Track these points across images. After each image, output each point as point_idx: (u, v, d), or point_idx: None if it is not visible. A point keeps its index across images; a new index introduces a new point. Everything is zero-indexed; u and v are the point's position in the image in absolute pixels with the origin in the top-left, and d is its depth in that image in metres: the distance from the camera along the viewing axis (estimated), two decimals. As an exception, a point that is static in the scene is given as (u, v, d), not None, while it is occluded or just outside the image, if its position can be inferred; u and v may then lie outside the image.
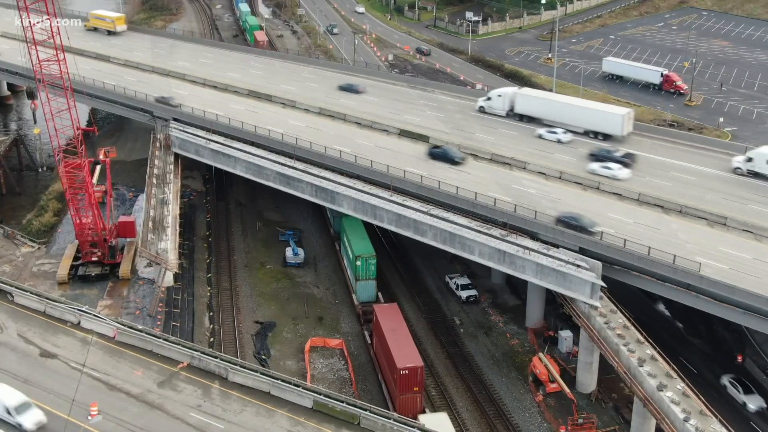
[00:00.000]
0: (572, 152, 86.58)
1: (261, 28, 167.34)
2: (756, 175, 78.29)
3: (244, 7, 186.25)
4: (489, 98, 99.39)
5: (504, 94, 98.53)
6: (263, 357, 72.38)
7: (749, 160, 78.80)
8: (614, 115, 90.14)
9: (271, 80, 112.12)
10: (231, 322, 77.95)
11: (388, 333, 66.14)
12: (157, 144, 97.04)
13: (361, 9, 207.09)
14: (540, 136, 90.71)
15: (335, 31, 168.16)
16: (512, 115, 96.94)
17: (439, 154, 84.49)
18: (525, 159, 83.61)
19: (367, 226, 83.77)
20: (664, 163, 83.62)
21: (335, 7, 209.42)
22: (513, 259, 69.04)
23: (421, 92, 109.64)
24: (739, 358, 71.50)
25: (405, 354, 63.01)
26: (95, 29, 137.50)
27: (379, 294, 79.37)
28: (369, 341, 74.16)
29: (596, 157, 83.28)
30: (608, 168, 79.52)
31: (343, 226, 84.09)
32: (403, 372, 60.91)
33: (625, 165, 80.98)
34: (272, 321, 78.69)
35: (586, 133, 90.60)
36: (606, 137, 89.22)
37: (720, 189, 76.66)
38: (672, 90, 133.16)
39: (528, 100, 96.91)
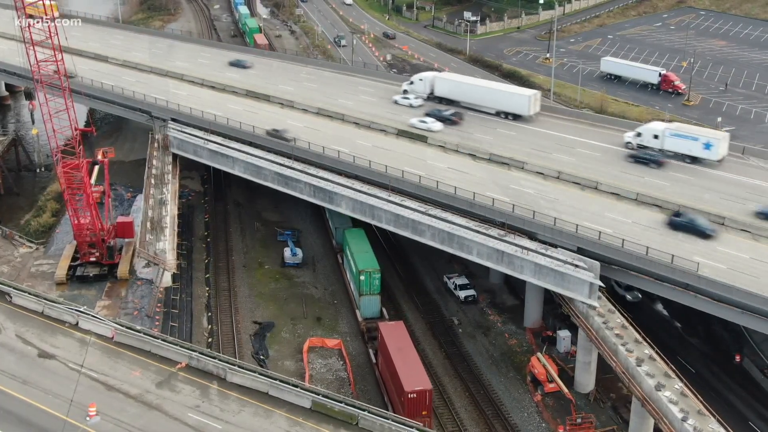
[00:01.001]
0: (415, 113, 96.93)
1: (260, 31, 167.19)
2: (644, 148, 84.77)
3: (244, 10, 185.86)
4: (412, 82, 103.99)
5: (425, 78, 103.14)
6: (261, 357, 72.38)
7: (638, 135, 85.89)
8: (521, 96, 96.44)
9: (269, 80, 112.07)
10: (229, 323, 77.93)
11: (395, 353, 62.99)
12: (156, 144, 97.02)
13: (349, 1, 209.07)
14: (395, 102, 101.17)
15: (343, 43, 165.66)
16: (433, 98, 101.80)
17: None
18: (376, 120, 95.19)
19: (369, 231, 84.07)
20: (565, 139, 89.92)
21: (333, 7, 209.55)
22: (511, 259, 69.08)
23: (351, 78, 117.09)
24: (737, 358, 71.58)
25: (413, 376, 59.92)
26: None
27: (384, 310, 77.16)
28: (374, 360, 71.12)
29: (430, 115, 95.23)
30: (424, 122, 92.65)
31: (346, 238, 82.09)
32: (411, 395, 57.93)
33: (453, 122, 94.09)
34: (270, 321, 78.68)
35: (498, 114, 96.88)
36: (516, 117, 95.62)
37: (607, 161, 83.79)
38: (670, 90, 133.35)
39: (446, 83, 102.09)
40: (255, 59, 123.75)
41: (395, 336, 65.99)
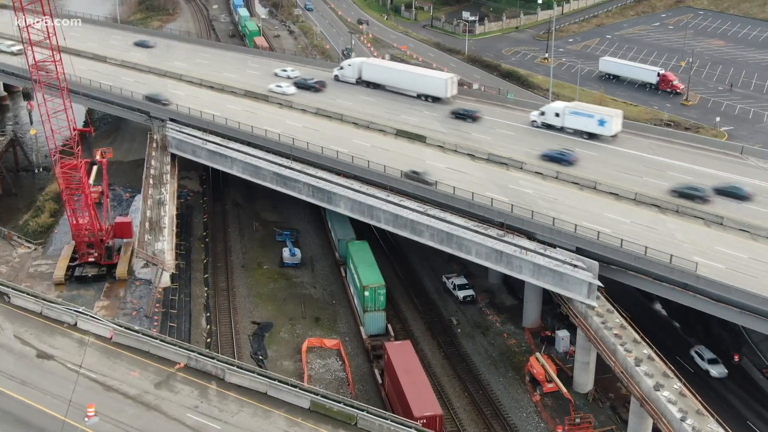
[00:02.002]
0: (288, 83, 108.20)
1: (260, 34, 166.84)
2: (547, 126, 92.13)
3: (243, 12, 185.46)
4: (342, 68, 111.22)
5: (353, 64, 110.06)
6: (260, 357, 72.38)
7: (542, 114, 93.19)
8: (439, 80, 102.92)
9: (268, 81, 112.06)
10: (228, 323, 77.93)
11: (402, 375, 60.05)
12: (154, 144, 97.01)
13: None
14: (270, 90, 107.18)
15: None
16: (361, 82, 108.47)
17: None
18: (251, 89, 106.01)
19: (371, 239, 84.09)
20: (484, 120, 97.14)
21: (332, 7, 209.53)
22: (510, 259, 69.12)
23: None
24: (736, 358, 71.64)
25: (422, 400, 57.03)
26: None
27: (389, 326, 74.98)
28: (380, 381, 68.07)
29: (298, 85, 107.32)
30: (279, 87, 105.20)
31: (350, 251, 79.94)
32: (421, 421, 54.72)
33: (316, 90, 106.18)
34: (269, 321, 78.68)
35: (419, 96, 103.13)
36: (435, 99, 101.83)
37: (518, 137, 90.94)
38: (669, 89, 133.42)
39: (372, 68, 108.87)
40: (252, 59, 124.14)
41: (403, 357, 62.90)
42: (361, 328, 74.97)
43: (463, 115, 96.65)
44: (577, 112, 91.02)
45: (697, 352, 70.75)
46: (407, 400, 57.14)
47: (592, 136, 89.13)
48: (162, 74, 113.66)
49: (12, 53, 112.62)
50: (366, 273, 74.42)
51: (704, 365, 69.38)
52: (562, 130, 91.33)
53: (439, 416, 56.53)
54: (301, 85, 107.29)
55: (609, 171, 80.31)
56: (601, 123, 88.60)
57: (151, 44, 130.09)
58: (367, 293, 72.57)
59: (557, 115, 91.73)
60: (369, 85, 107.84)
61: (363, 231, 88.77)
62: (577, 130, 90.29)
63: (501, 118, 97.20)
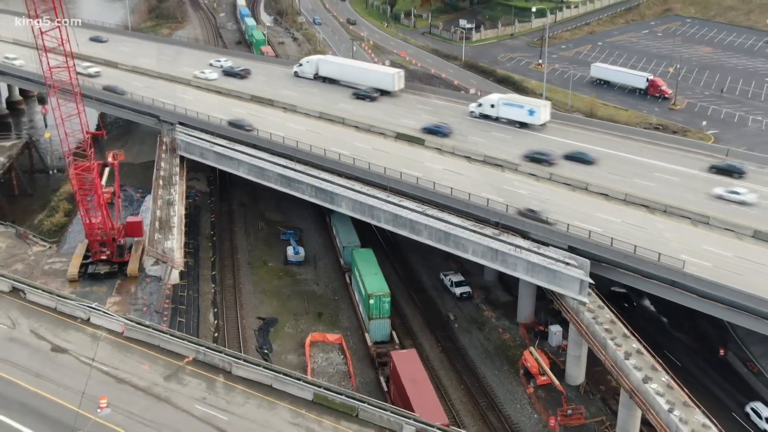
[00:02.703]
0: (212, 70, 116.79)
1: (267, 43, 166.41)
2: (485, 116, 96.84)
3: (250, 21, 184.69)
4: (301, 65, 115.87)
5: (311, 61, 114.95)
6: (265, 351, 72.42)
7: (480, 105, 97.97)
8: (386, 75, 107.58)
9: (272, 85, 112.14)
10: (234, 318, 78.00)
11: (408, 384, 58.51)
12: (164, 147, 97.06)
13: None
14: (195, 76, 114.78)
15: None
16: (318, 78, 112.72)
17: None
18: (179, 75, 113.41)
19: (368, 229, 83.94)
20: (429, 102, 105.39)
21: (334, 15, 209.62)
22: (505, 257, 69.17)
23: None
24: (722, 352, 71.67)
25: (428, 409, 55.41)
26: None
27: (394, 333, 73.80)
28: (385, 389, 66.70)
29: (226, 73, 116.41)
30: (203, 73, 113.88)
31: (355, 259, 78.73)
32: None
33: (242, 77, 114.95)
34: (274, 317, 78.74)
35: (367, 90, 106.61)
36: (384, 92, 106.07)
37: (457, 121, 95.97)
38: (657, 94, 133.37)
39: (328, 65, 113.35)
40: (255, 64, 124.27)
41: (408, 366, 61.36)
42: (367, 335, 73.52)
43: (363, 97, 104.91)
44: (510, 103, 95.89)
45: (753, 410, 63.06)
46: (413, 408, 55.57)
47: (523, 125, 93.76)
48: (170, 79, 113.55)
49: (89, 75, 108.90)
50: (371, 281, 73.10)
51: (763, 424, 61.93)
52: (497, 120, 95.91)
53: (444, 425, 54.70)
54: (229, 73, 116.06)
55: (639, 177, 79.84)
56: (531, 113, 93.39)
57: (104, 39, 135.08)
58: (372, 301, 71.18)
59: (492, 106, 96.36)
60: (325, 80, 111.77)
61: (366, 236, 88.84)
62: (510, 120, 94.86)
63: (446, 110, 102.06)
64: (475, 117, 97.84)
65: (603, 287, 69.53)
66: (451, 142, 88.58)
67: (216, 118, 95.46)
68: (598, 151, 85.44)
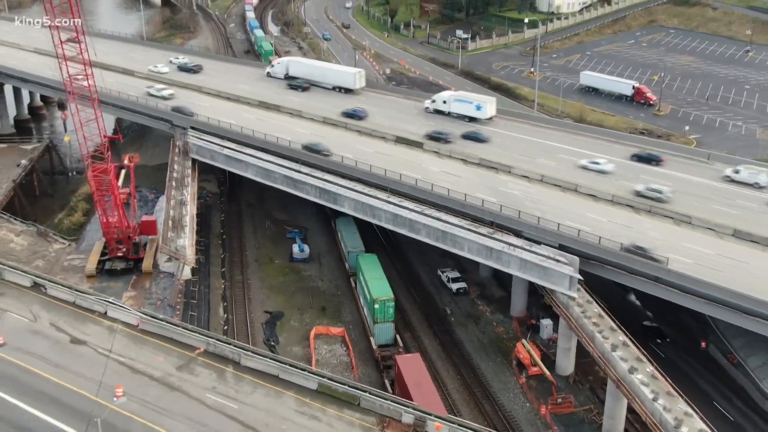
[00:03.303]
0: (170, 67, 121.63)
1: (275, 54, 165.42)
2: (438, 111, 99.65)
3: (259, 33, 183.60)
4: (273, 66, 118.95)
5: (281, 62, 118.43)
6: (272, 343, 72.45)
7: (433, 101, 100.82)
8: (348, 74, 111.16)
9: (278, 92, 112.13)
10: (243, 312, 78.03)
11: (413, 388, 57.36)
12: (176, 150, 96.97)
13: (349, 4, 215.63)
14: (149, 70, 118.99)
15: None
16: (288, 77, 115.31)
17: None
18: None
19: (369, 228, 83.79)
20: (388, 98, 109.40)
21: (337, 26, 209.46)
22: (499, 254, 69.16)
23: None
24: (703, 344, 71.65)
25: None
26: None
27: (398, 336, 72.12)
28: (390, 391, 63.10)
29: (180, 68, 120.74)
30: (156, 67, 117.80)
31: (359, 264, 77.13)
32: None
33: (195, 72, 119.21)
34: (280, 311, 78.75)
35: (334, 88, 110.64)
36: (347, 90, 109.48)
37: (410, 119, 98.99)
38: (642, 101, 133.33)
39: (296, 65, 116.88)
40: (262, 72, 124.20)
41: (413, 370, 60.25)
42: (372, 338, 71.80)
43: (295, 86, 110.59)
44: (460, 99, 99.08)
45: None
46: None
47: (472, 119, 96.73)
48: (183, 86, 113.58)
49: (164, 97, 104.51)
50: (376, 286, 71.67)
51: None
52: (449, 114, 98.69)
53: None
54: (183, 68, 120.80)
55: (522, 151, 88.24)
56: (479, 108, 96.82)
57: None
58: (377, 306, 69.77)
59: (444, 102, 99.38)
60: (295, 79, 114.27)
61: (368, 236, 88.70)
62: (460, 114, 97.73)
63: (404, 106, 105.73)
64: (430, 112, 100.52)
65: (636, 323, 68.72)
66: (370, 125, 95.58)
67: (225, 122, 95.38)
68: (499, 134, 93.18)
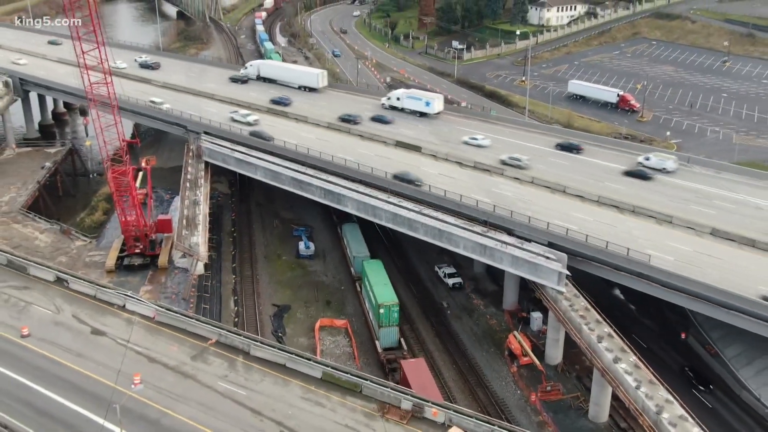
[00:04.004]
0: (129, 62, 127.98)
1: None
2: (393, 107, 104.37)
3: (269, 45, 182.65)
4: (246, 68, 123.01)
5: (254, 64, 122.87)
6: (280, 335, 72.43)
7: (389, 98, 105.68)
8: (311, 75, 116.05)
9: (221, 84, 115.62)
10: (252, 305, 78.01)
11: (418, 392, 53.97)
12: (190, 153, 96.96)
13: (356, 12, 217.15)
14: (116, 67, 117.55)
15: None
16: (260, 78, 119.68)
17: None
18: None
19: (370, 226, 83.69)
20: (348, 96, 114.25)
21: (341, 37, 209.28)
22: (492, 251, 69.10)
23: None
24: (683, 336, 71.60)
25: None
26: None
27: (402, 340, 70.20)
28: None
29: (141, 65, 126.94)
30: (115, 63, 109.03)
31: (365, 269, 75.26)
32: None
33: (153, 68, 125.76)
34: (287, 304, 78.71)
35: (300, 87, 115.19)
36: (311, 89, 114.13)
37: (408, 123, 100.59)
38: (626, 108, 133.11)
39: (267, 68, 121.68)
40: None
41: (417, 374, 58.79)
42: (377, 342, 70.11)
43: (144, 65, 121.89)
44: (412, 96, 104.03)
45: None
46: None
47: (422, 114, 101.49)
48: (196, 94, 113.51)
49: (248, 123, 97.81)
50: (381, 292, 69.88)
51: None
52: (402, 110, 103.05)
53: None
54: (143, 65, 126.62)
55: (423, 133, 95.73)
56: (427, 104, 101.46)
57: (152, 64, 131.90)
58: (382, 311, 68.14)
59: (398, 99, 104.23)
60: (265, 80, 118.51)
61: (370, 235, 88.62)
62: (412, 110, 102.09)
63: (363, 103, 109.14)
64: (386, 108, 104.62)
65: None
66: (295, 111, 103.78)
67: (236, 128, 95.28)
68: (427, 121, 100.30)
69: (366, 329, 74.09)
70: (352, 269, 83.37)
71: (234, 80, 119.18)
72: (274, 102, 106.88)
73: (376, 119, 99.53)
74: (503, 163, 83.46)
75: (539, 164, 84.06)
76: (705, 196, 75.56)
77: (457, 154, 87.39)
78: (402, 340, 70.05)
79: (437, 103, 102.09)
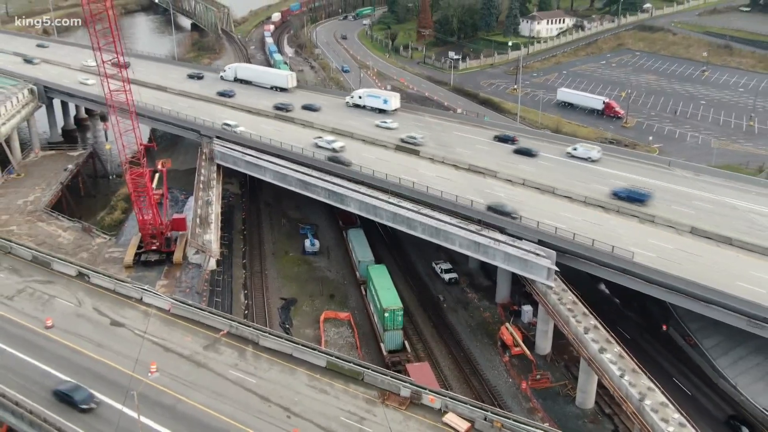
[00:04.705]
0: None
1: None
2: (356, 105, 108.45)
3: (278, 57, 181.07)
4: (225, 71, 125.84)
5: (231, 68, 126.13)
6: (287, 326, 72.40)
7: (352, 97, 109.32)
8: (281, 76, 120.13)
9: (180, 81, 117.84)
10: (261, 299, 78.00)
11: None
12: (203, 156, 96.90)
13: (366, 21, 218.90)
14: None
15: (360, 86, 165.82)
16: (237, 80, 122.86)
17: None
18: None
19: (372, 224, 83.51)
20: (313, 95, 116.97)
21: (345, 48, 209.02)
22: (486, 248, 69.07)
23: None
24: (664, 327, 71.57)
25: None
26: None
27: (406, 342, 68.11)
28: None
29: (114, 64, 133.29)
30: (86, 62, 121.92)
31: (370, 274, 73.38)
32: None
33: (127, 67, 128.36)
34: (294, 298, 78.70)
35: (272, 87, 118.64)
36: (282, 89, 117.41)
37: (335, 112, 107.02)
38: (612, 114, 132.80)
39: (243, 70, 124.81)
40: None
41: (422, 378, 56.25)
42: (382, 344, 67.68)
43: (193, 76, 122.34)
44: (372, 95, 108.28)
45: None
46: None
47: (381, 111, 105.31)
48: (208, 101, 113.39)
49: (334, 150, 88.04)
50: (386, 297, 67.95)
51: None
52: (364, 108, 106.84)
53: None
54: (114, 63, 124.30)
55: (345, 119, 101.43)
56: (385, 102, 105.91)
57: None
58: (387, 315, 66.11)
59: (360, 97, 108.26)
60: (242, 82, 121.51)
61: (372, 235, 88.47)
62: (372, 107, 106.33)
63: (329, 101, 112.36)
64: (350, 106, 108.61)
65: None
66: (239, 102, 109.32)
67: (246, 132, 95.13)
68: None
69: (367, 321, 74.06)
70: (357, 273, 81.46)
71: (191, 77, 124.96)
72: (221, 94, 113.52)
73: (306, 107, 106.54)
74: (402, 140, 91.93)
75: (472, 152, 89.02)
76: (685, 197, 75.42)
77: (369, 134, 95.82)
78: (406, 342, 68.15)
79: (394, 101, 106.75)
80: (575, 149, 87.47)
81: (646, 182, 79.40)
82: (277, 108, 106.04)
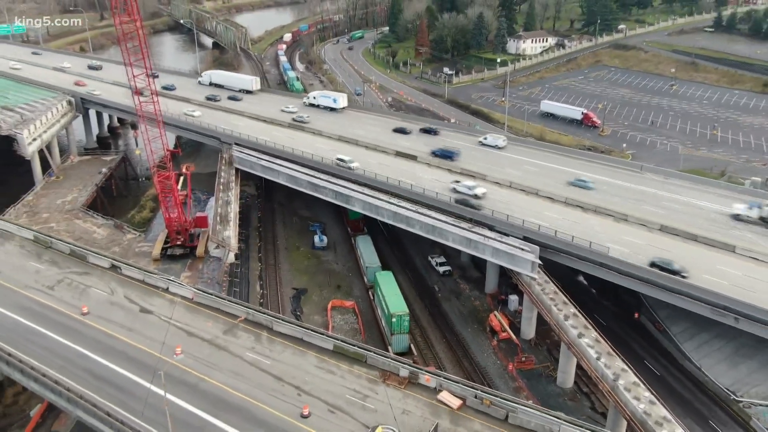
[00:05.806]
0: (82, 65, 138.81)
1: (304, 90, 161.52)
2: (312, 105, 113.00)
3: (291, 74, 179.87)
4: (201, 77, 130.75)
5: (207, 74, 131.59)
6: (298, 313, 72.42)
7: (308, 98, 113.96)
8: (247, 80, 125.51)
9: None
10: (275, 288, 78.03)
11: None
12: (223, 161, 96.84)
13: (351, 45, 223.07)
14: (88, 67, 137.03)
15: (358, 91, 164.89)
16: (212, 84, 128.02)
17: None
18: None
19: (373, 223, 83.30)
20: (275, 97, 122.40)
21: (350, 64, 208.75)
22: (476, 244, 69.03)
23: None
24: (636, 316, 71.50)
25: None
26: None
27: (412, 345, 66.04)
28: None
29: (89, 66, 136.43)
30: (62, 65, 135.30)
31: (377, 280, 70.56)
32: None
33: (97, 69, 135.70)
34: (304, 288, 78.69)
35: (240, 90, 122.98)
36: (248, 92, 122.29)
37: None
38: (590, 124, 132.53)
39: (217, 76, 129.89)
40: (291, 100, 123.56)
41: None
42: (389, 347, 64.82)
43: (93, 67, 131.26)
44: (324, 95, 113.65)
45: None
46: None
47: (332, 109, 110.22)
48: (228, 111, 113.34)
49: (476, 196, 74.86)
50: (393, 302, 65.40)
51: None
52: (318, 106, 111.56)
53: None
54: (91, 66, 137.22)
55: (332, 125, 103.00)
56: (335, 101, 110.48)
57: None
58: (394, 320, 63.85)
59: (314, 98, 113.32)
60: (216, 86, 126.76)
61: (373, 232, 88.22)
62: (324, 106, 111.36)
63: (290, 102, 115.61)
64: (307, 105, 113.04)
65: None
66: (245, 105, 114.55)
67: (262, 139, 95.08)
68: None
69: (369, 309, 74.01)
70: (365, 278, 78.71)
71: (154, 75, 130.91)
72: (208, 98, 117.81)
73: (231, 98, 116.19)
74: (293, 120, 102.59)
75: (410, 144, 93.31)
76: (655, 198, 75.32)
77: (277, 118, 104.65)
78: (412, 345, 65.86)
79: (342, 101, 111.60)
80: (485, 138, 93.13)
81: (450, 143, 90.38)
82: (208, 99, 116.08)
